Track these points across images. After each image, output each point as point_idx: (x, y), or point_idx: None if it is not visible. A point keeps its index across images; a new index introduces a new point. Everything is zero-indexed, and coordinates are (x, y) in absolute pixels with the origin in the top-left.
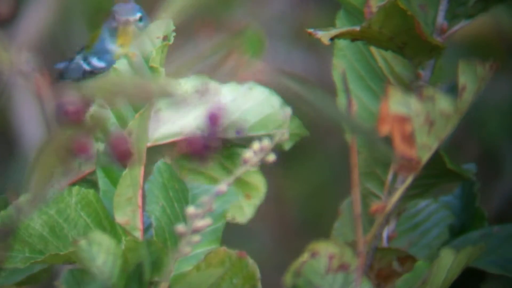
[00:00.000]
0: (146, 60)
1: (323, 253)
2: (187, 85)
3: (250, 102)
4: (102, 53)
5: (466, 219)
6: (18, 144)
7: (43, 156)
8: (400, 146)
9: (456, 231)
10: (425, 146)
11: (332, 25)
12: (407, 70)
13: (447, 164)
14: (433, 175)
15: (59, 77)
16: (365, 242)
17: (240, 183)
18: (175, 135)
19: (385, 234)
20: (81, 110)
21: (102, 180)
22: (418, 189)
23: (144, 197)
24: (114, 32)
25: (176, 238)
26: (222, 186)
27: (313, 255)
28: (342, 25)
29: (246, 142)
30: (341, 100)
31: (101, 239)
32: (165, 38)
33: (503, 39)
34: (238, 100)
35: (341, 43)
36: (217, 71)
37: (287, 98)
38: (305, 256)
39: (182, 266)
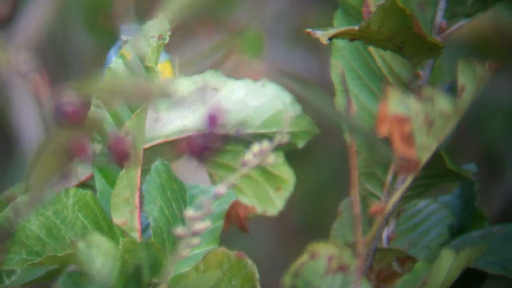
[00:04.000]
0: (141, 59)
1: (323, 254)
2: (186, 84)
3: (262, 99)
4: None
5: (466, 219)
6: (17, 145)
7: (41, 157)
8: (399, 146)
9: (456, 231)
10: (424, 147)
11: (332, 25)
12: (406, 69)
13: (447, 164)
14: (433, 175)
15: None
16: (365, 243)
17: (269, 176)
18: (174, 135)
19: (384, 234)
20: (79, 111)
21: (99, 181)
22: (418, 189)
23: (141, 197)
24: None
25: (175, 239)
26: (221, 188)
27: (312, 256)
28: (339, 25)
29: (255, 138)
30: (340, 100)
31: (100, 241)
32: (161, 37)
33: (504, 38)
34: (250, 96)
35: (339, 43)
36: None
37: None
38: (304, 257)
39: (180, 267)
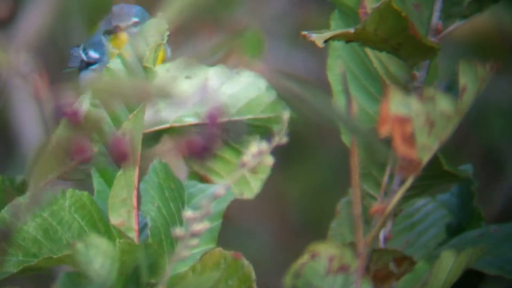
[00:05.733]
0: (140, 59)
1: (323, 254)
2: (185, 84)
3: (237, 86)
4: (98, 45)
5: (463, 219)
6: (17, 145)
7: (41, 157)
8: (400, 147)
9: (453, 231)
10: (425, 147)
11: (330, 25)
12: (402, 70)
13: (444, 165)
14: (430, 176)
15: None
16: (365, 243)
17: None
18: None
19: (381, 235)
20: (79, 112)
21: (97, 181)
22: (415, 190)
23: (139, 197)
24: (108, 33)
25: (172, 238)
26: (219, 189)
27: (313, 256)
28: (337, 26)
29: (230, 125)
30: (338, 100)
31: (99, 242)
32: (159, 37)
33: (504, 39)
34: (225, 84)
35: (336, 43)
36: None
37: (286, 98)
38: (305, 257)
39: (178, 267)
